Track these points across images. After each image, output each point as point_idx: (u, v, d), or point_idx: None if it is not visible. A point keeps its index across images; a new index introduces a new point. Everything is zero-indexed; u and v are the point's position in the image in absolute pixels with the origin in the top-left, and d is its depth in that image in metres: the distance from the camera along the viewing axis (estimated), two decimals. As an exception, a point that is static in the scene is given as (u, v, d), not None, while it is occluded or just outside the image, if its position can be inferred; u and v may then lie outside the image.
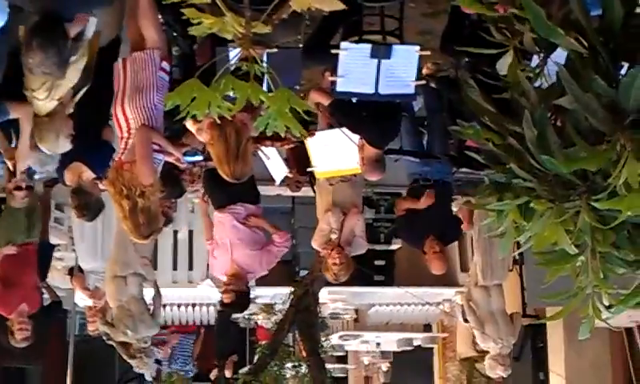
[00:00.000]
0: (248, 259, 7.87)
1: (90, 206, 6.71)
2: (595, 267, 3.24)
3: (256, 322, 12.59)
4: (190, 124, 5.75)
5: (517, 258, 10.28)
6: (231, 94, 3.14)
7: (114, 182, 5.40)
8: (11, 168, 6.91)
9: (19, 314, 8.17)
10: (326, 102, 7.02)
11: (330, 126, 7.46)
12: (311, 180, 8.53)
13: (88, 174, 6.51)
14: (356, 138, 7.20)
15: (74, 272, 9.97)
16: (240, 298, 7.91)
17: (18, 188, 7.62)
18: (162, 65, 5.71)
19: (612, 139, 3.04)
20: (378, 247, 11.75)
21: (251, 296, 11.53)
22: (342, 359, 16.58)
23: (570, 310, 3.40)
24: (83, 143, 6.42)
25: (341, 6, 4.71)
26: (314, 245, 8.18)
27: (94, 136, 6.45)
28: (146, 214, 5.33)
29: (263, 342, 11.27)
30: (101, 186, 7.00)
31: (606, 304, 3.37)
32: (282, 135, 4.08)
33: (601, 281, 3.26)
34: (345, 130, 7.25)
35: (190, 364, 14.10)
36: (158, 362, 13.36)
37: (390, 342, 14.92)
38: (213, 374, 12.93)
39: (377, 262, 12.08)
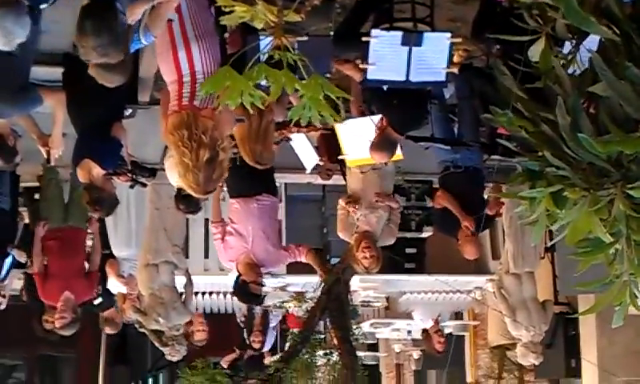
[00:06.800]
0: (266, 254, 7.95)
1: (102, 202, 6.76)
2: (630, 255, 3.22)
3: (287, 310, 12.63)
4: None
5: (548, 245, 10.23)
6: (263, 82, 3.14)
7: (188, 126, 4.75)
8: (45, 155, 6.96)
9: (63, 302, 8.33)
10: (357, 77, 6.94)
11: (362, 114, 7.45)
12: (342, 168, 8.53)
13: (98, 170, 6.55)
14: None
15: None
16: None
17: None
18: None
19: (647, 126, 3.02)
20: (409, 235, 11.72)
21: (282, 284, 11.68)
22: (373, 347, 16.60)
23: (607, 302, 3.38)
24: (92, 140, 6.48)
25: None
26: (340, 235, 8.24)
27: (103, 132, 6.47)
28: (219, 169, 4.81)
29: (294, 330, 11.30)
30: (116, 181, 7.07)
31: (642, 291, 3.36)
32: (316, 124, 4.00)
33: (636, 268, 3.24)
34: (374, 118, 7.24)
35: None
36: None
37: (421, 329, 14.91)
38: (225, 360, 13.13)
39: (408, 250, 12.07)
